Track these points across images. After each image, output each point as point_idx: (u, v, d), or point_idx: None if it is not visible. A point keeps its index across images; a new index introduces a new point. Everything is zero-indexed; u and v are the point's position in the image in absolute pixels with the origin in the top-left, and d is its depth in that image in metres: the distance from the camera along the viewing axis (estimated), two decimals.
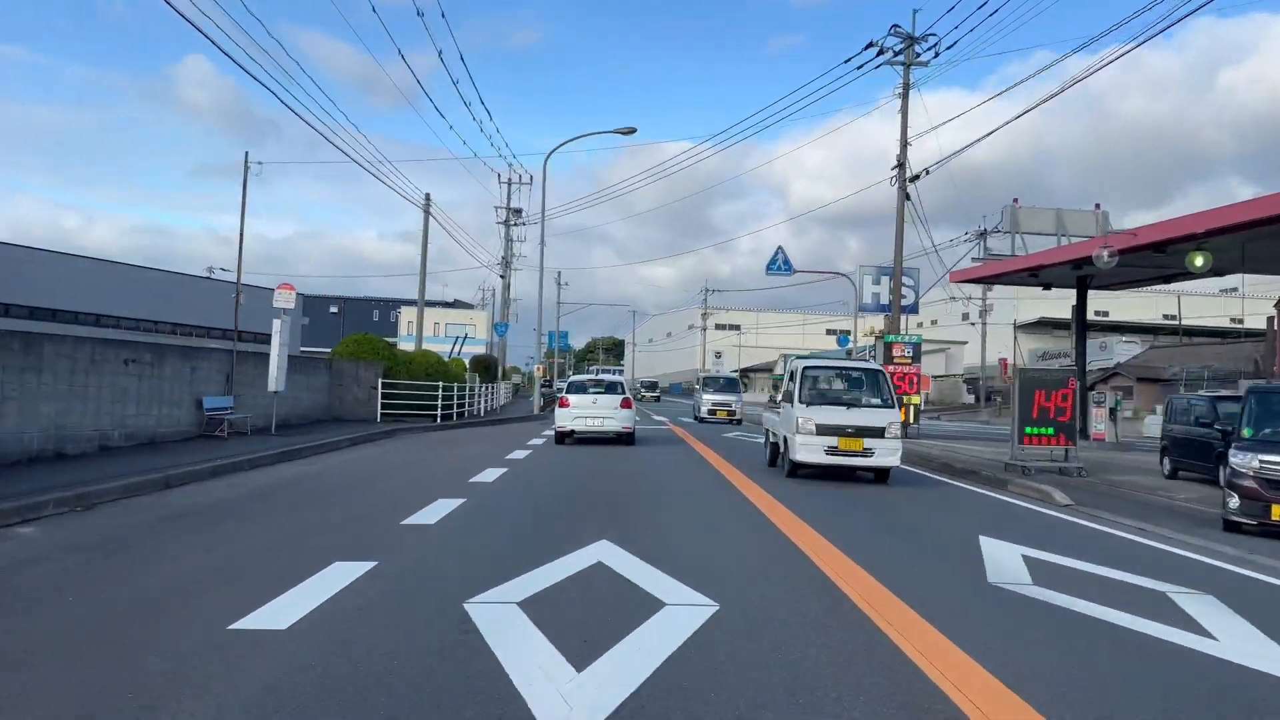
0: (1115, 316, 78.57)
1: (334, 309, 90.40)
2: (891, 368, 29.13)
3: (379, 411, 23.97)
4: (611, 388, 20.13)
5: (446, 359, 55.49)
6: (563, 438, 19.37)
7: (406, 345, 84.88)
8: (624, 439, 19.56)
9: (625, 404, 19.49)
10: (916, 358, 29.11)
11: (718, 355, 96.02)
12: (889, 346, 28.96)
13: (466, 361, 51.86)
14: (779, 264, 29.48)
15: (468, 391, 29.96)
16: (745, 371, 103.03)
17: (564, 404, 19.44)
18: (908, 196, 30.39)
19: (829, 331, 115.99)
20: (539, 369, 31.60)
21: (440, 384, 25.56)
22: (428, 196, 32.86)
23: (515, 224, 56.43)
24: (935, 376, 75.43)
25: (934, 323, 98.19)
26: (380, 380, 24.05)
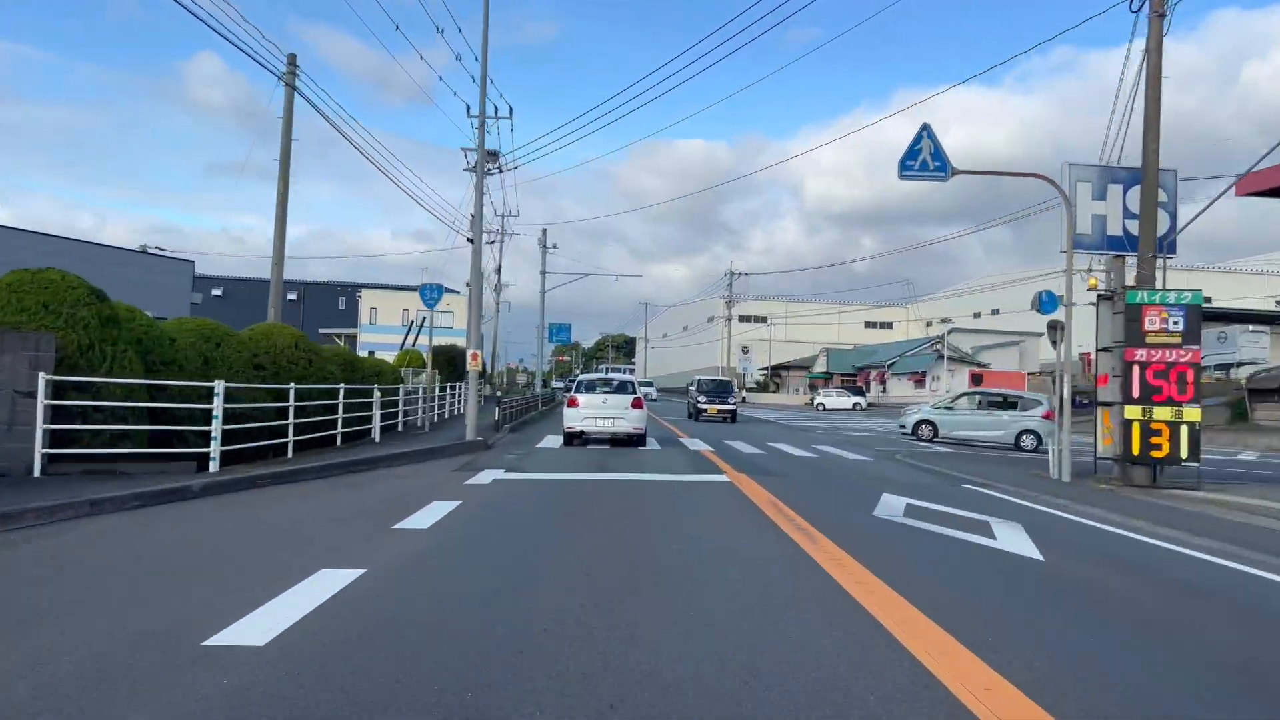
0: (1220, 303, 64.43)
1: (292, 296, 75.67)
2: (1141, 352, 15.06)
3: (38, 451, 9.87)
4: (622, 387, 19.94)
5: (398, 350, 41.74)
6: (571, 439, 19.30)
7: (369, 336, 69.88)
8: (634, 440, 19.35)
9: (636, 404, 19.33)
10: (1192, 335, 14.85)
11: (745, 350, 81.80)
12: (1137, 312, 14.85)
13: (425, 355, 38.22)
14: (925, 159, 15.35)
15: (342, 398, 15.98)
16: (776, 369, 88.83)
17: (573, 404, 19.30)
18: (1157, 42, 16.15)
19: (868, 324, 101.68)
20: (473, 357, 17.40)
21: (221, 384, 11.47)
22: (291, 59, 18.87)
23: (490, 171, 42.82)
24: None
25: (995, 312, 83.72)
26: (46, 377, 9.93)
